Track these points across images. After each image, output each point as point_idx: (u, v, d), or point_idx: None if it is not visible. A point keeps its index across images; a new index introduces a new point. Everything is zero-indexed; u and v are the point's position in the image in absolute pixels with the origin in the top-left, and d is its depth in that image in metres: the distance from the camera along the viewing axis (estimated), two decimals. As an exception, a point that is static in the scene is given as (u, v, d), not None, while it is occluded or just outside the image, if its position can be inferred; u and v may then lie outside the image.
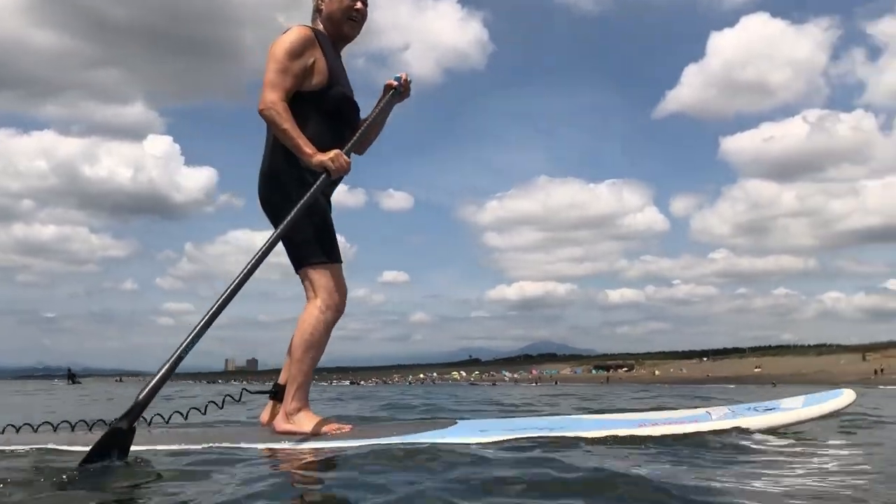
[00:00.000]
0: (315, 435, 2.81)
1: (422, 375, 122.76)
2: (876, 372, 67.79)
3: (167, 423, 3.24)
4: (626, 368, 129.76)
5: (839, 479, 2.18)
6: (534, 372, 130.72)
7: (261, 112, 2.91)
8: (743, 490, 2.00)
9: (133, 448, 2.48)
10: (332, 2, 3.11)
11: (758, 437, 2.94)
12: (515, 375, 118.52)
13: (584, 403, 7.44)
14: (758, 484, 2.08)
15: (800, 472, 2.30)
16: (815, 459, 2.56)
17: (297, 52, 2.95)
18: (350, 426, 2.95)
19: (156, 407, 2.82)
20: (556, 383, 72.82)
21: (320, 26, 3.15)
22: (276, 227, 2.88)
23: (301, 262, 2.98)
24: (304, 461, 2.52)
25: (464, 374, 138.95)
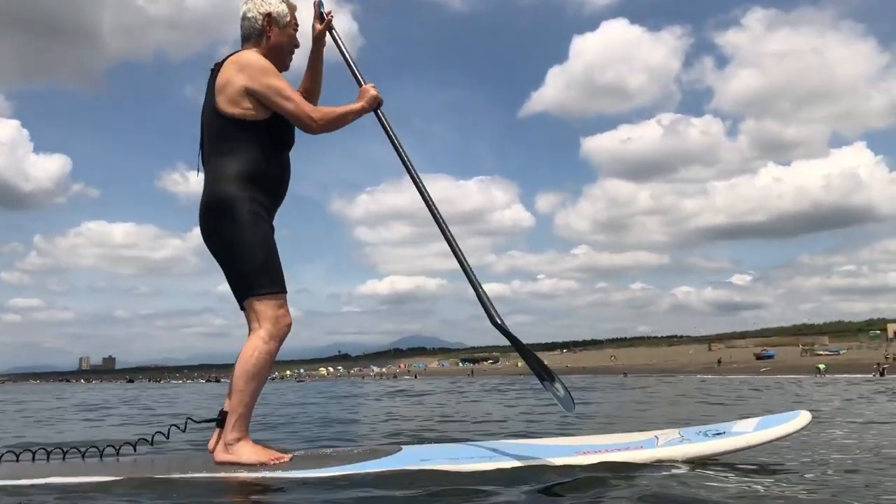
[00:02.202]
0: (255, 465, 2.74)
1: (288, 372, 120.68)
2: (719, 361, 73.10)
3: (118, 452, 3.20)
4: (491, 361, 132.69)
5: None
6: (401, 366, 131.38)
7: (320, 128, 2.97)
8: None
9: (67, 479, 2.61)
10: (281, 34, 3.09)
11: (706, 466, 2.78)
12: (383, 370, 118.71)
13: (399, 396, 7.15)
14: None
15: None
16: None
17: (279, 73, 2.99)
18: (290, 455, 2.87)
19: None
20: (415, 377, 74.24)
21: (259, 49, 3.08)
22: (221, 259, 2.93)
23: (248, 292, 2.88)
24: (242, 493, 2.52)
25: (331, 369, 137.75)
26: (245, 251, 2.86)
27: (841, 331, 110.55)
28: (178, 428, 3.18)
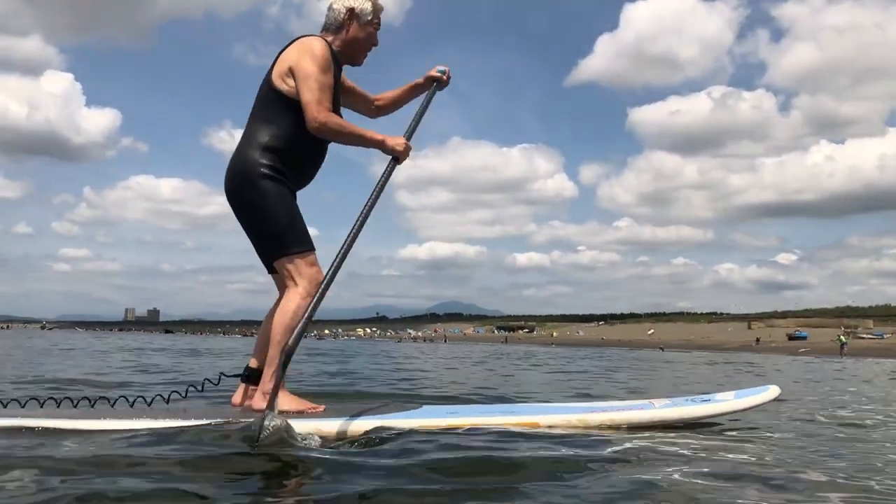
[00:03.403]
0: (291, 413, 2.87)
1: (327, 331, 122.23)
2: (757, 340, 72.19)
3: (149, 404, 3.36)
4: (527, 330, 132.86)
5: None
6: (436, 330, 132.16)
7: (318, 130, 3.00)
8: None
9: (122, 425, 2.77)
10: (360, 29, 3.19)
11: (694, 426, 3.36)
12: (419, 333, 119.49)
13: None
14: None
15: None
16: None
17: (326, 68, 3.03)
18: (323, 406, 3.09)
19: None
20: (444, 341, 75.13)
21: (333, 42, 3.18)
22: (247, 221, 3.08)
23: (280, 252, 3.04)
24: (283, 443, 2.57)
25: (368, 330, 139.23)
26: (273, 213, 3.00)
27: (887, 315, 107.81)
28: (212, 381, 3.35)
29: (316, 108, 2.97)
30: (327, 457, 2.32)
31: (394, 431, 2.70)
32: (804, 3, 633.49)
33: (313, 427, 2.71)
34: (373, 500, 1.86)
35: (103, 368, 8.05)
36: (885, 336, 72.02)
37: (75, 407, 3.20)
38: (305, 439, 2.51)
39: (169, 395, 3.40)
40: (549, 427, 3.07)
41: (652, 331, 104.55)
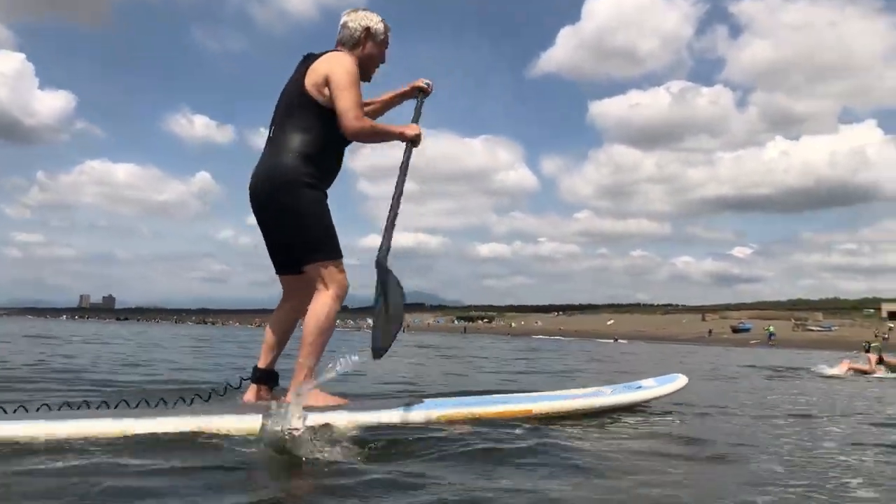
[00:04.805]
0: (320, 407, 3.05)
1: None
2: (710, 332, 73.71)
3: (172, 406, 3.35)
4: (486, 320, 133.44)
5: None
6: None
7: (357, 134, 3.25)
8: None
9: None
10: (376, 46, 3.47)
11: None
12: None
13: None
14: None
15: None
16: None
17: (358, 80, 3.28)
18: (347, 400, 3.29)
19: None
20: (404, 330, 75.94)
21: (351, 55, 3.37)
22: (280, 226, 3.24)
23: (315, 257, 3.20)
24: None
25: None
26: (311, 221, 3.19)
27: (836, 308, 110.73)
28: (232, 386, 3.47)
29: (355, 113, 3.20)
30: (333, 455, 2.47)
31: (414, 425, 3.07)
32: (761, 0, 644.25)
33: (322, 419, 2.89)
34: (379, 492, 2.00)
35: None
36: (833, 328, 74.03)
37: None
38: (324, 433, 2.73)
39: (192, 399, 3.41)
40: (545, 414, 3.49)
41: (611, 321, 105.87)
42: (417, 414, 3.21)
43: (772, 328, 59.11)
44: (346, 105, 3.19)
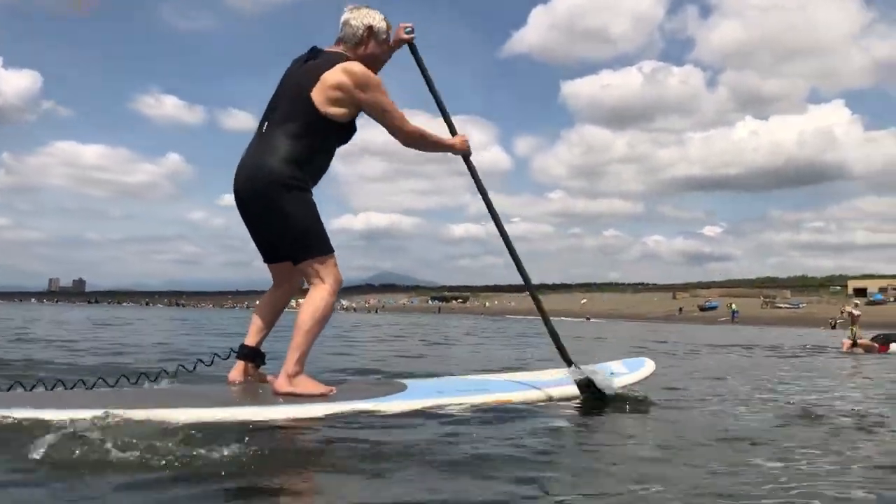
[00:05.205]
0: (315, 396, 3.09)
1: (257, 302, 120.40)
2: (680, 310, 74.74)
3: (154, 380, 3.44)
4: (460, 300, 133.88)
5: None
6: (370, 301, 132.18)
7: (410, 144, 3.41)
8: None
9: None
10: (378, 46, 3.39)
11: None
12: (353, 304, 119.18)
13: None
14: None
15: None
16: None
17: (386, 90, 3.27)
18: (335, 388, 3.26)
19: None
20: (376, 312, 76.52)
21: (353, 56, 3.30)
22: (269, 224, 3.23)
23: (307, 254, 3.21)
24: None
25: (301, 301, 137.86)
26: (298, 221, 3.17)
27: (803, 285, 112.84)
28: (220, 356, 3.52)
29: (407, 127, 3.34)
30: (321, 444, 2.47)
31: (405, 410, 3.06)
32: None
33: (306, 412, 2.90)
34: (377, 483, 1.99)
35: None
36: (801, 306, 75.38)
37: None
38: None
39: (195, 364, 3.55)
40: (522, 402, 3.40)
41: (585, 300, 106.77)
42: (399, 404, 3.16)
43: (734, 306, 60.09)
44: (395, 123, 3.30)
